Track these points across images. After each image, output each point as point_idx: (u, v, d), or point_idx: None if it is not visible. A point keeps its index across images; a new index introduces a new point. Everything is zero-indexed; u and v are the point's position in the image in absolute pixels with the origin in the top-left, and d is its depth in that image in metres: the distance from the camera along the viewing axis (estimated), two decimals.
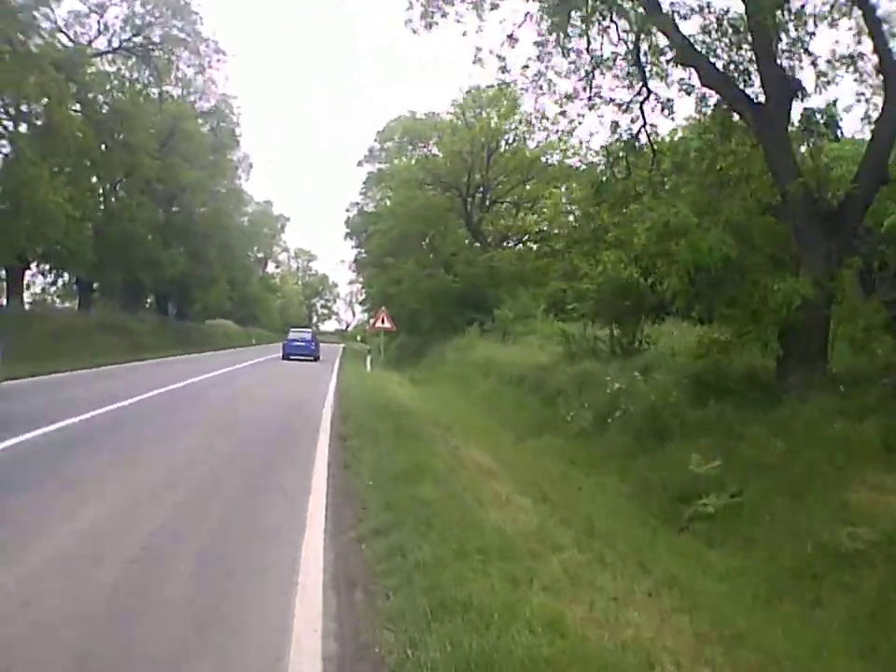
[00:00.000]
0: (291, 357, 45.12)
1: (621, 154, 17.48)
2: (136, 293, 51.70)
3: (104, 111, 36.48)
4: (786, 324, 11.99)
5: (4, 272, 35.82)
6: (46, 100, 30.53)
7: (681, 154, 17.00)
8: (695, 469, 10.09)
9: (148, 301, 62.46)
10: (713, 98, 15.95)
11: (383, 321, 32.02)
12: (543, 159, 45.12)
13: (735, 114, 15.14)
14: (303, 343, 47.87)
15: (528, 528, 7.54)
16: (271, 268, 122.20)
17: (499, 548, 6.45)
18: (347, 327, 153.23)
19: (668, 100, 16.97)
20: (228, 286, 79.08)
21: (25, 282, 41.16)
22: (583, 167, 44.90)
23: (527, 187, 46.24)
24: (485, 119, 43.37)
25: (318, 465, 10.95)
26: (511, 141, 45.27)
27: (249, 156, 73.96)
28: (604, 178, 17.62)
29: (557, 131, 43.76)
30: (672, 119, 19.07)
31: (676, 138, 22.26)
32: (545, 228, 46.28)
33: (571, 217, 46.13)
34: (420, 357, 42.43)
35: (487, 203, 46.76)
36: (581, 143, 44.14)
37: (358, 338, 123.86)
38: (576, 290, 21.78)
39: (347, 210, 64.10)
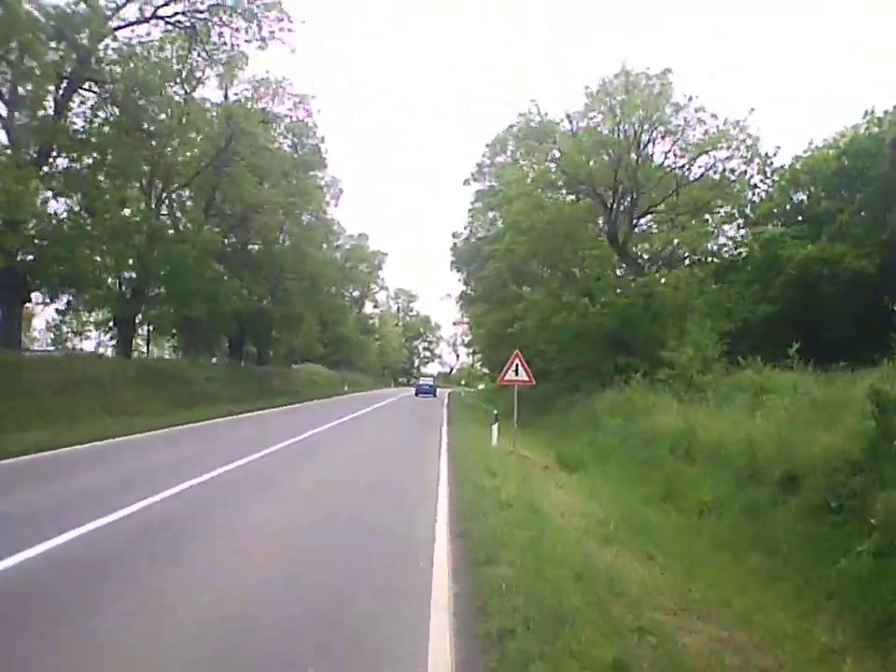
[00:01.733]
0: (419, 395, 69.08)
1: None
2: (197, 334, 42.68)
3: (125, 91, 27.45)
4: None
5: None
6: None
7: None
8: None
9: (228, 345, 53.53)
10: None
11: (516, 370, 20.93)
12: (704, 159, 34.12)
13: None
14: (428, 387, 75.16)
15: None
16: (368, 308, 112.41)
17: None
18: (451, 370, 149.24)
19: None
20: (318, 326, 71.42)
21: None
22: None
23: (677, 198, 34.67)
24: (632, 103, 32.24)
25: None
26: (663, 134, 34.04)
27: (339, 180, 64.35)
28: None
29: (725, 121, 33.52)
30: None
31: None
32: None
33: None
34: (548, 413, 32.12)
35: (635, 215, 34.78)
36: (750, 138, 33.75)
37: (462, 382, 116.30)
38: None
39: (453, 237, 54.36)
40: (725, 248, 38.12)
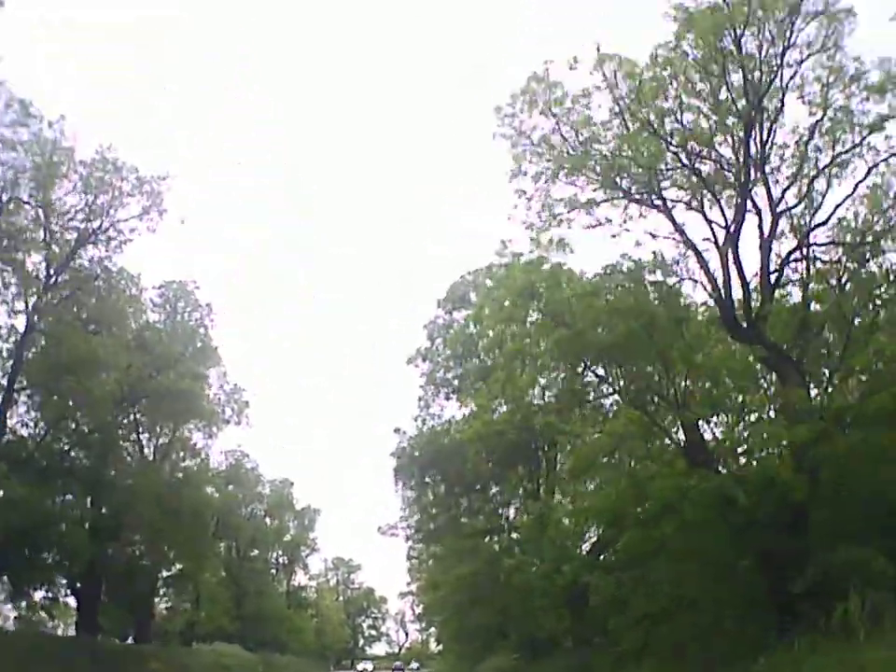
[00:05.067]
0: None
1: None
2: None
3: None
4: None
5: None
6: None
7: None
8: None
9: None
10: None
11: None
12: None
13: None
14: (399, 668, 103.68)
15: None
16: (301, 577, 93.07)
17: None
18: (400, 649, 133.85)
19: None
20: (228, 595, 60.30)
21: None
22: None
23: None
24: None
25: None
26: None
27: (243, 389, 46.54)
28: None
29: None
30: None
31: None
32: None
33: None
34: None
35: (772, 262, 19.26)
36: None
37: (414, 664, 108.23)
38: None
39: (396, 431, 37.85)
40: None
